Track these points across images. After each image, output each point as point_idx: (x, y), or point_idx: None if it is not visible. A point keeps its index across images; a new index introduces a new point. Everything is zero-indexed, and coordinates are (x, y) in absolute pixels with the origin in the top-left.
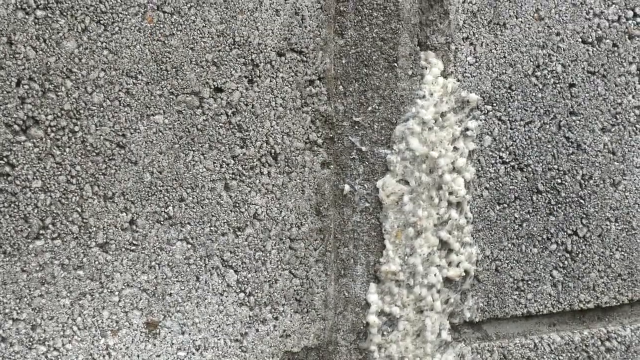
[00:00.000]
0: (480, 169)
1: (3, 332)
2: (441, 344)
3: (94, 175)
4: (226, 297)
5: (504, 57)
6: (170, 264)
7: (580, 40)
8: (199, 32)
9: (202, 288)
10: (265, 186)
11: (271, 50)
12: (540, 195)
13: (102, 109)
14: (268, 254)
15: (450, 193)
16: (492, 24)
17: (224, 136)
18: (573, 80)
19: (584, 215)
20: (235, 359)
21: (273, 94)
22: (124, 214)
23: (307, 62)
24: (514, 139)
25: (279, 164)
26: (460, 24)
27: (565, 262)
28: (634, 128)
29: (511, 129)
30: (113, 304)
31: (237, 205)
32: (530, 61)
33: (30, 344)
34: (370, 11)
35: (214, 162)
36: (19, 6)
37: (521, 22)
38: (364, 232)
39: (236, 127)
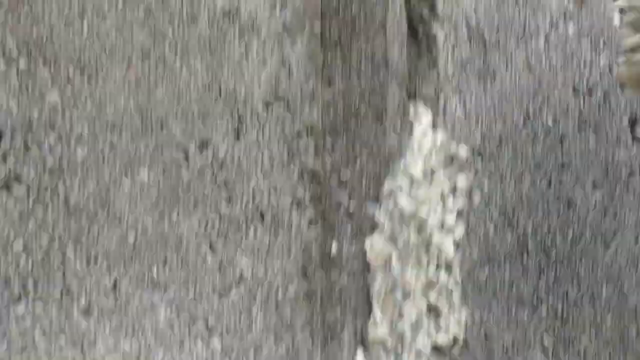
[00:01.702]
0: (469, 227)
1: None
2: None
3: (77, 235)
4: None
5: (494, 108)
6: (153, 329)
7: (571, 92)
8: (184, 83)
9: (186, 355)
10: (251, 246)
11: (258, 101)
12: (530, 256)
13: (85, 165)
14: (254, 319)
15: (439, 253)
16: (482, 75)
17: (210, 193)
18: (564, 134)
19: (575, 276)
20: None
21: (260, 148)
22: (107, 276)
23: (295, 114)
24: (505, 195)
25: (265, 223)
26: (450, 74)
27: (556, 327)
28: (625, 185)
29: (501, 184)
30: None
31: (223, 266)
32: (521, 113)
33: None
34: (359, 61)
35: (199, 221)
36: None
37: (511, 72)
38: (352, 294)
39: (222, 184)
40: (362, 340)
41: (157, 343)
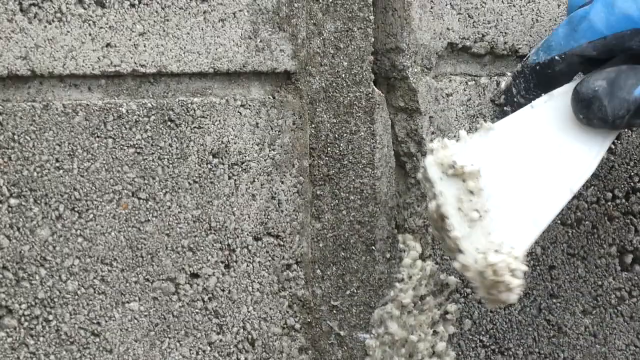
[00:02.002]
0: (460, 353)
1: None
2: None
3: None
4: None
5: None
6: None
7: (559, 222)
8: (174, 217)
9: None
10: None
11: (248, 234)
12: None
13: (76, 297)
14: None
15: None
16: None
17: (200, 322)
18: (553, 263)
19: None
20: None
21: (250, 278)
22: None
23: (284, 246)
24: (494, 322)
25: (256, 350)
26: None
27: None
28: (615, 310)
29: (491, 312)
30: None
31: None
32: None
33: None
34: (347, 195)
35: (190, 349)
36: None
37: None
38: None
39: (212, 313)
40: None
41: None
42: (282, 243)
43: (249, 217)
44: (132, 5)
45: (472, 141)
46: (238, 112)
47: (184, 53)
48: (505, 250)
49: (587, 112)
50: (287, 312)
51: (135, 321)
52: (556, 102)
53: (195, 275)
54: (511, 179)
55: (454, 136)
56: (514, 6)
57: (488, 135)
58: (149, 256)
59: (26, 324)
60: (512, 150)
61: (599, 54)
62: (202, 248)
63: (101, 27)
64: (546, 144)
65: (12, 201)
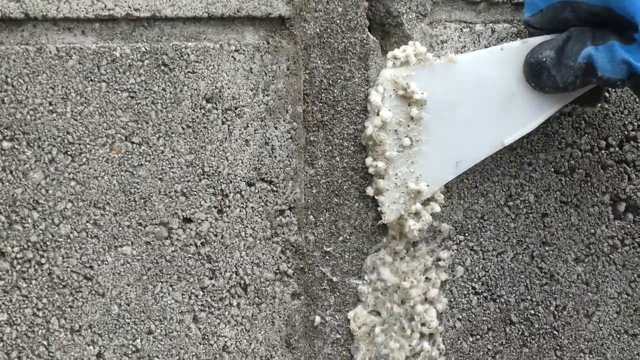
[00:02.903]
0: (452, 299)
1: None
2: None
3: (61, 308)
4: None
5: (476, 187)
6: None
7: (552, 170)
8: (167, 162)
9: None
10: (234, 318)
11: (241, 180)
12: (513, 327)
13: (69, 240)
14: None
15: (423, 324)
16: None
17: (193, 267)
18: (546, 210)
19: (558, 347)
20: None
21: (243, 224)
22: (91, 347)
23: (277, 192)
24: (487, 270)
25: (249, 295)
26: None
27: None
28: (608, 258)
29: (484, 259)
30: None
31: (206, 337)
32: (503, 191)
33: None
34: (341, 141)
35: (183, 294)
36: None
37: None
38: None
39: (205, 258)
40: None
41: None
42: (275, 189)
43: (242, 163)
44: None
45: (432, 67)
46: (232, 57)
47: None
48: (421, 186)
49: (538, 81)
50: (280, 257)
51: (128, 265)
52: (527, 50)
53: (188, 220)
54: (453, 115)
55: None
56: None
57: (449, 66)
58: (142, 200)
59: (19, 267)
60: (466, 87)
61: (542, 26)
62: (195, 193)
63: None
64: (500, 90)
65: (5, 144)
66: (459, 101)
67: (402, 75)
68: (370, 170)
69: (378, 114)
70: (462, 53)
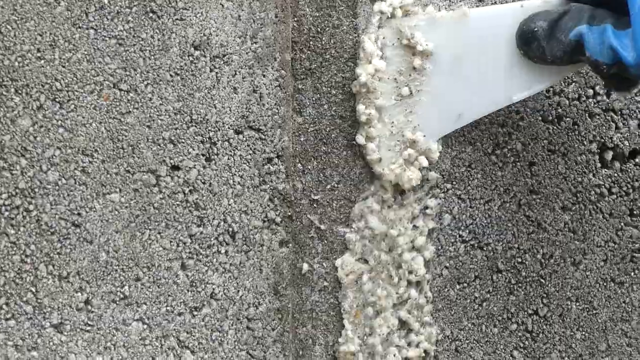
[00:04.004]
0: (439, 247)
1: None
2: None
3: (49, 254)
4: None
5: (463, 135)
6: (125, 344)
7: (540, 118)
8: (155, 110)
9: None
10: (222, 265)
11: (229, 128)
12: (500, 275)
13: (57, 187)
14: (225, 335)
15: (410, 272)
16: None
17: (181, 215)
18: (533, 159)
19: (545, 295)
20: None
21: (231, 172)
22: (79, 293)
23: (265, 140)
24: (474, 218)
25: (237, 243)
26: None
27: (526, 342)
28: (595, 207)
29: (471, 207)
30: None
31: (194, 284)
32: (490, 139)
33: None
34: (329, 89)
35: (171, 241)
36: None
37: None
38: (323, 311)
39: (193, 206)
40: (334, 355)
41: (129, 357)
42: (263, 137)
43: (230, 110)
44: None
45: (442, 20)
46: (220, 4)
47: None
48: (417, 135)
49: (527, 49)
50: (268, 205)
51: (116, 212)
52: (546, 8)
53: (176, 168)
54: (459, 69)
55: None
56: None
57: (460, 20)
58: (130, 148)
59: (7, 213)
60: (477, 42)
61: None
62: (183, 140)
63: None
64: (511, 47)
65: None
66: (468, 55)
67: (408, 24)
68: (362, 118)
69: (371, 62)
70: (477, 7)
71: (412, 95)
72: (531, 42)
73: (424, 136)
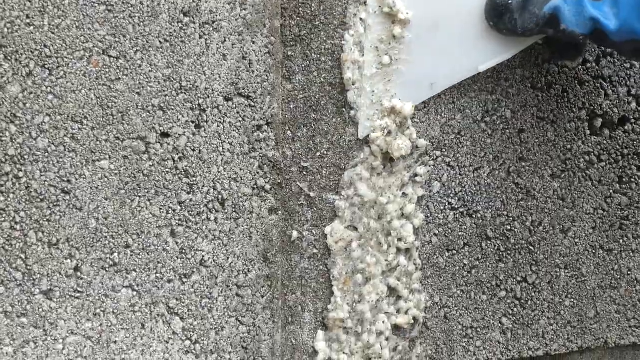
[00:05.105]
0: (429, 215)
1: None
2: None
3: (39, 221)
4: (172, 345)
5: (453, 102)
6: (115, 311)
7: (529, 85)
8: (145, 76)
9: (148, 336)
10: (212, 232)
11: (218, 95)
12: (489, 242)
13: (47, 154)
14: (215, 301)
15: (399, 239)
16: None
17: (171, 182)
18: (522, 126)
19: (534, 262)
20: None
21: (220, 139)
22: (69, 260)
23: (255, 107)
24: (463, 185)
25: (227, 210)
26: None
27: (515, 309)
28: (584, 174)
29: (460, 174)
30: (57, 352)
31: (184, 252)
32: (480, 107)
33: None
34: (319, 56)
35: (160, 209)
36: None
37: None
38: (312, 278)
39: (183, 173)
40: (323, 322)
41: (118, 324)
42: (252, 104)
43: (219, 77)
44: None
45: None
46: None
47: None
48: (394, 102)
49: (498, 21)
50: (258, 172)
51: (106, 179)
52: None
53: (165, 135)
54: (434, 37)
55: None
56: None
57: None
58: (120, 115)
59: None
60: (452, 10)
61: None
62: (172, 107)
63: None
64: (481, 19)
65: None
66: (442, 23)
67: None
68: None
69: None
70: None
71: (392, 63)
72: (504, 15)
73: (401, 101)
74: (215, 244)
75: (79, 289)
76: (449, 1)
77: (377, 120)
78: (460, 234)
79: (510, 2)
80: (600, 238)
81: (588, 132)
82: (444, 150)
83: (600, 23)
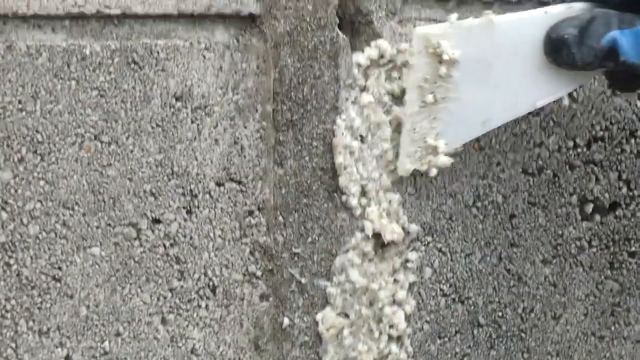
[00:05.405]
0: (420, 301)
1: None
2: None
3: (29, 309)
4: None
5: (444, 187)
6: None
7: (521, 170)
8: (137, 162)
9: None
10: (203, 320)
11: (210, 180)
12: (481, 329)
13: (38, 241)
14: None
15: (391, 326)
16: None
17: (162, 268)
18: (514, 211)
19: (525, 350)
20: None
21: (212, 224)
22: (59, 349)
23: (247, 192)
24: (455, 271)
25: (217, 297)
26: None
27: None
28: (575, 260)
29: (452, 260)
30: None
31: (175, 339)
32: (471, 191)
33: None
34: (310, 140)
35: (151, 295)
36: None
37: (461, 151)
38: None
39: (174, 259)
40: None
41: None
42: (244, 189)
43: (211, 162)
44: None
45: (469, 27)
46: (202, 55)
47: None
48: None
49: (556, 56)
50: (249, 259)
51: (97, 266)
52: (569, 14)
53: (157, 221)
54: (487, 75)
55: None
56: None
57: (488, 27)
58: (111, 201)
59: None
60: (502, 48)
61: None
62: (164, 193)
63: None
64: (536, 52)
65: None
66: (494, 62)
67: (434, 33)
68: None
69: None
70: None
71: (437, 102)
72: (561, 49)
73: (446, 144)
74: (206, 331)
75: None
76: (502, 38)
77: (418, 159)
78: (451, 321)
79: (566, 36)
80: (592, 325)
81: (579, 217)
82: (435, 235)
83: None
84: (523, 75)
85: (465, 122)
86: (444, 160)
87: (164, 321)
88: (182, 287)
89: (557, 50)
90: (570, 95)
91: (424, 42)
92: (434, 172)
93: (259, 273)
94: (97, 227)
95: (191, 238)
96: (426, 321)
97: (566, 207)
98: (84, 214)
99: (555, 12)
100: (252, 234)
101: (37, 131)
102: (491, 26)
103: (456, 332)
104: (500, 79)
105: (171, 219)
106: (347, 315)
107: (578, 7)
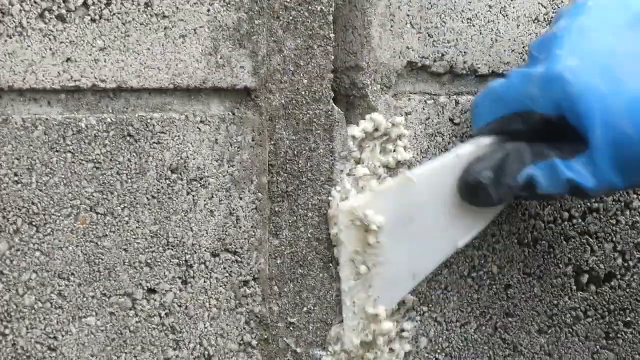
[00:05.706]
0: None
1: None
2: None
3: None
4: None
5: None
6: None
7: (516, 241)
8: (132, 233)
9: None
10: None
11: (205, 250)
12: None
13: (33, 311)
14: None
15: None
16: None
17: (157, 338)
18: (509, 281)
19: None
20: None
21: (207, 294)
22: None
23: (242, 263)
24: (450, 341)
25: None
26: None
27: None
28: (570, 330)
29: (447, 330)
30: None
31: None
32: (466, 262)
33: None
34: (305, 211)
35: None
36: None
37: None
38: None
39: (169, 329)
40: None
41: None
42: (239, 259)
43: (206, 233)
44: (93, 20)
45: (390, 190)
46: (197, 128)
47: (144, 68)
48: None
49: (473, 199)
50: (244, 328)
51: (92, 336)
52: (479, 152)
53: (152, 291)
54: (410, 231)
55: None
56: (474, 26)
57: (405, 184)
58: (107, 271)
59: None
60: (422, 201)
61: (492, 133)
62: (159, 263)
63: (62, 42)
64: (454, 195)
65: None
66: (415, 214)
67: (359, 205)
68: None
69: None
70: (414, 168)
71: (369, 270)
72: (478, 192)
73: (385, 309)
74: None
75: None
76: (420, 190)
77: (362, 331)
78: None
79: (481, 180)
80: None
81: (574, 287)
82: (430, 305)
83: (576, 183)
84: (443, 221)
85: (396, 281)
86: (387, 326)
87: None
88: (177, 356)
89: (474, 193)
90: None
91: (350, 216)
92: (381, 340)
93: (254, 342)
94: (93, 297)
95: (186, 308)
96: None
97: (561, 277)
98: (79, 284)
99: (466, 153)
100: (248, 304)
101: (32, 203)
102: (410, 183)
103: None
104: (422, 230)
105: (166, 289)
106: None
107: (486, 142)
